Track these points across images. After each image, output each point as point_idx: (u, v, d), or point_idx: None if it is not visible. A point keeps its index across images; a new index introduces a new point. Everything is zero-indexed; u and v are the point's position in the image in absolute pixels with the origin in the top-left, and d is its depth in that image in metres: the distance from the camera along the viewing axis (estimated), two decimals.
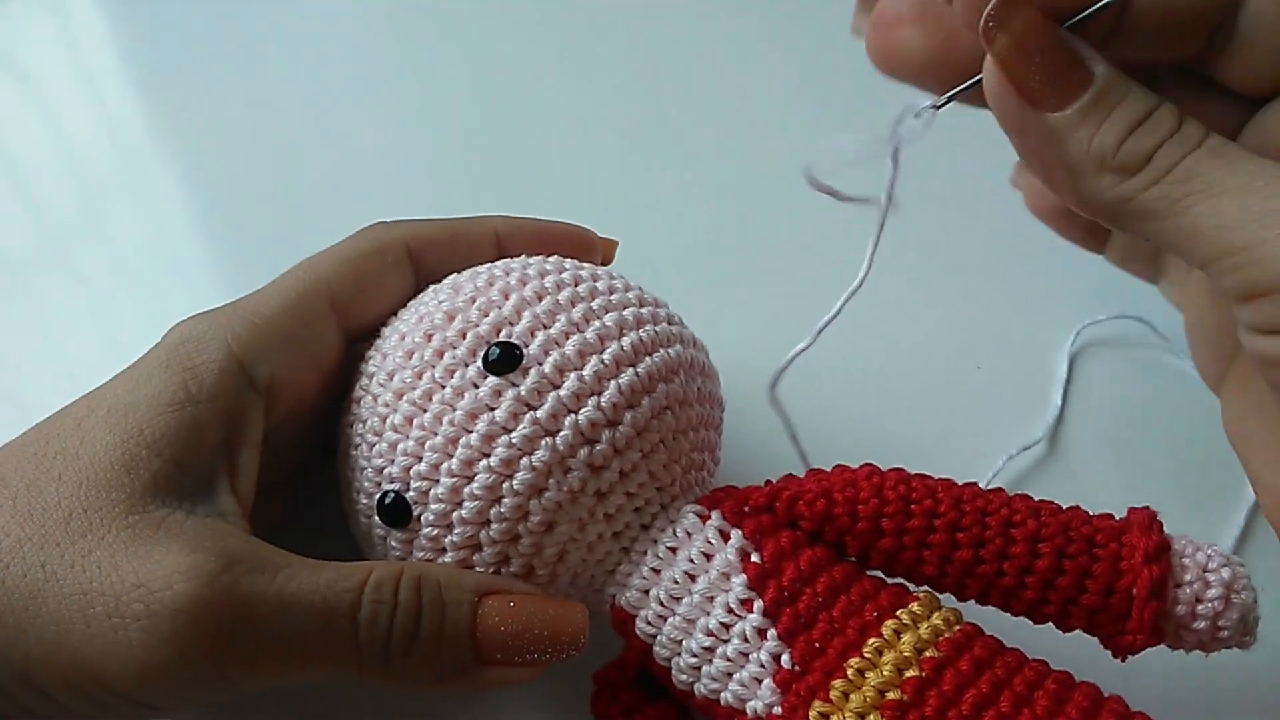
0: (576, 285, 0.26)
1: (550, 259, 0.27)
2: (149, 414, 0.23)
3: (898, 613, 0.23)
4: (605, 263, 0.31)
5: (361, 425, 0.25)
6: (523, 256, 0.28)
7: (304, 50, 0.47)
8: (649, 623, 0.25)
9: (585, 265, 0.27)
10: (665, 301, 0.28)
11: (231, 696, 0.23)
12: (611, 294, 0.26)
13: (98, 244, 0.40)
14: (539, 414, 0.23)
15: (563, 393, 0.24)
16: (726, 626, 0.23)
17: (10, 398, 0.25)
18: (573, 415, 0.24)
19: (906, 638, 0.22)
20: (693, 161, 0.42)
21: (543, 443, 0.23)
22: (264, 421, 0.25)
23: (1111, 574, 0.23)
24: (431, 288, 0.27)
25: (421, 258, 0.28)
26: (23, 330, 0.36)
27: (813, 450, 0.33)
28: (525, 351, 0.24)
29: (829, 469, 0.26)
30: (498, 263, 0.27)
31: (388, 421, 0.24)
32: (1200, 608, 0.23)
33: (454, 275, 0.27)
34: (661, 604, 0.24)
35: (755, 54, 0.47)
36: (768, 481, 0.27)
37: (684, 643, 0.24)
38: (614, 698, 0.25)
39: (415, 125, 0.45)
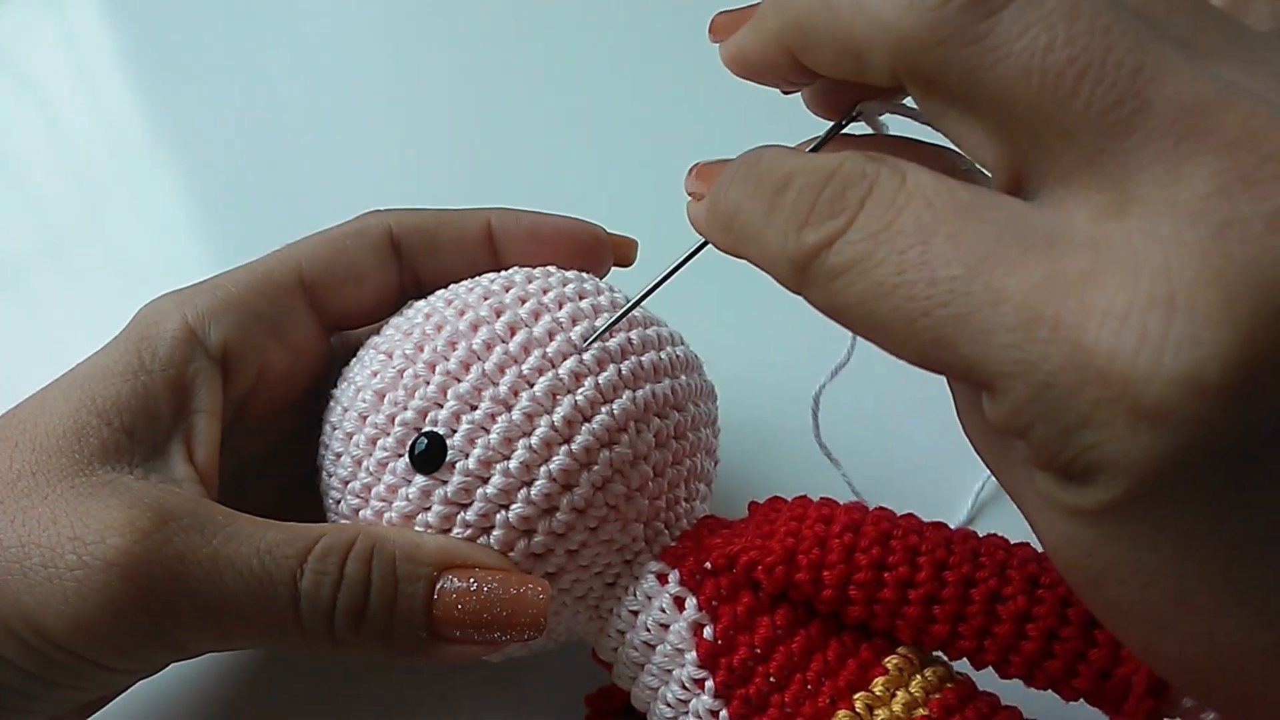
0: (511, 338, 0.23)
1: (497, 283, 0.25)
2: (101, 383, 0.23)
3: (855, 696, 0.21)
4: (623, 265, 0.28)
5: (324, 498, 0.26)
6: (466, 285, 0.25)
7: (303, 50, 0.45)
8: (620, 678, 0.25)
9: (534, 288, 0.25)
10: (640, 315, 0.25)
11: (180, 657, 0.24)
12: (551, 341, 0.23)
13: (97, 244, 0.40)
14: (468, 516, 0.23)
15: (489, 490, 0.23)
16: (684, 702, 0.23)
17: (9, 397, 0.25)
18: (503, 512, 0.23)
19: None
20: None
21: (478, 542, 0.23)
22: (223, 390, 0.25)
23: (1110, 660, 0.21)
24: (371, 344, 0.26)
25: (405, 243, 0.27)
26: (22, 330, 0.37)
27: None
28: (450, 443, 0.23)
29: (816, 499, 0.24)
30: (437, 304, 0.25)
31: (341, 505, 0.25)
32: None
33: (393, 324, 0.26)
34: (627, 665, 0.24)
35: None
36: (751, 503, 0.26)
37: (651, 705, 0.24)
38: None
39: (416, 124, 0.42)
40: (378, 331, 0.26)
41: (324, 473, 0.25)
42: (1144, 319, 0.14)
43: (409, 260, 0.27)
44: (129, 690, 0.26)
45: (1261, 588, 0.15)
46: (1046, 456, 0.15)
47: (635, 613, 0.24)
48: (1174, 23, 0.16)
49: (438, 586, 0.22)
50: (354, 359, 0.26)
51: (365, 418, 0.24)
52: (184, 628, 0.22)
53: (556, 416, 0.23)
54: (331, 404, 0.26)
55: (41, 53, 0.46)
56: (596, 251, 0.28)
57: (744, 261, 0.19)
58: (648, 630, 0.24)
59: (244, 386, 0.26)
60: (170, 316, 0.25)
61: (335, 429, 0.25)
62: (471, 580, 0.22)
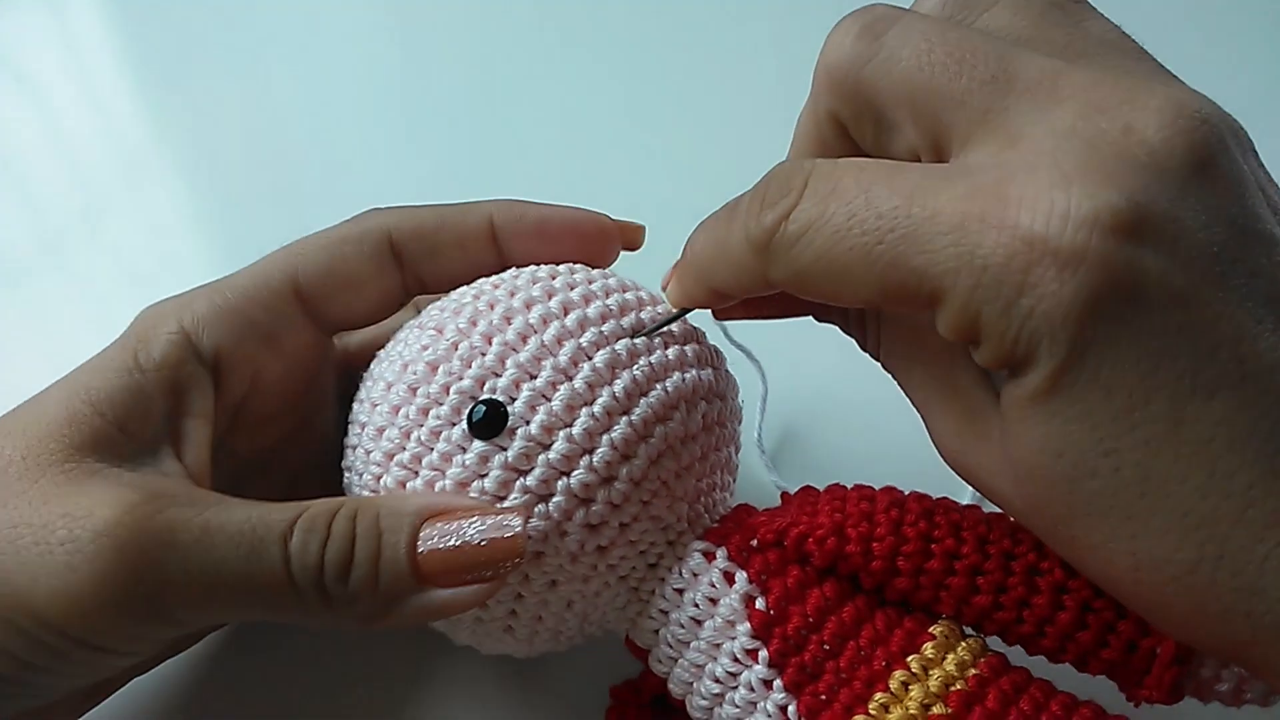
0: (565, 315, 0.24)
1: (542, 271, 0.26)
2: (95, 376, 0.24)
3: (909, 658, 0.22)
4: (631, 248, 0.29)
5: (357, 478, 0.25)
6: (511, 272, 0.26)
7: (302, 49, 0.46)
8: (660, 661, 0.24)
9: (579, 278, 0.25)
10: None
11: (175, 631, 0.23)
12: (604, 323, 0.24)
13: (96, 244, 0.40)
14: (529, 481, 0.23)
15: (552, 455, 0.23)
16: (733, 675, 0.23)
17: (9, 397, 0.24)
18: (565, 479, 0.23)
19: (914, 691, 0.22)
20: (698, 154, 0.41)
21: (536, 510, 0.23)
22: (216, 396, 0.25)
23: (1137, 631, 0.22)
24: (416, 323, 0.26)
25: (406, 249, 0.27)
26: (21, 330, 0.37)
27: (809, 449, 0.32)
28: (510, 410, 0.23)
29: (850, 486, 0.25)
30: (484, 286, 0.25)
31: (381, 482, 0.24)
32: (1226, 672, 0.22)
33: (437, 306, 0.26)
34: (670, 646, 0.24)
35: (768, 42, 0.45)
36: (784, 493, 0.27)
37: (694, 685, 0.24)
38: (629, 715, 0.26)
39: (415, 123, 0.44)
40: (416, 317, 0.26)
41: (359, 449, 0.25)
42: (1050, 195, 0.17)
43: (410, 265, 0.27)
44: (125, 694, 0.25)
45: (1210, 445, 0.17)
46: (996, 344, 0.18)
47: (680, 590, 0.24)
48: (1031, 38, 0.21)
49: (421, 533, 0.22)
50: (391, 341, 0.26)
51: (415, 389, 0.24)
52: (176, 596, 0.22)
53: (617, 388, 0.23)
54: (369, 383, 0.25)
55: (41, 53, 0.45)
56: (603, 244, 0.28)
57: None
58: (695, 606, 0.24)
59: (238, 393, 0.26)
60: (167, 321, 0.25)
61: (377, 405, 0.24)
62: (451, 522, 0.22)
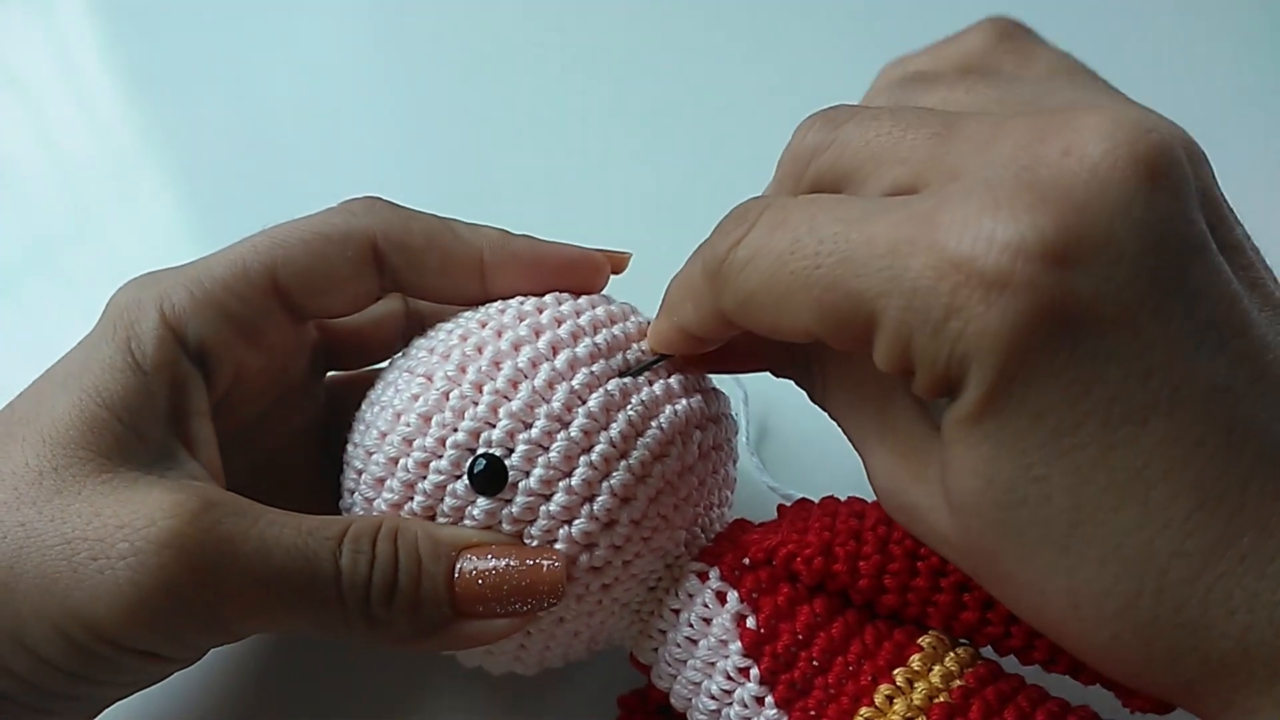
0: (555, 356, 0.24)
1: (528, 305, 0.26)
2: (101, 376, 0.24)
3: (894, 672, 0.23)
4: (617, 272, 0.29)
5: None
6: (497, 307, 0.26)
7: (293, 53, 0.47)
8: (661, 678, 0.25)
9: (565, 310, 0.25)
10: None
11: (227, 639, 0.24)
12: (594, 362, 0.24)
13: (88, 248, 0.40)
14: (533, 531, 0.24)
15: (552, 507, 0.23)
16: (728, 692, 0.24)
17: (2, 402, 0.25)
18: (566, 528, 0.23)
19: (898, 704, 0.22)
20: (692, 163, 0.42)
21: None
22: (207, 391, 0.25)
23: None
24: (404, 365, 0.26)
25: (389, 256, 0.26)
26: (12, 335, 0.37)
27: (790, 445, 0.32)
28: (509, 463, 0.23)
29: (844, 498, 0.26)
30: (471, 326, 0.25)
31: None
32: None
33: (425, 347, 0.26)
34: (669, 664, 0.25)
35: (764, 50, 0.46)
36: (780, 506, 0.27)
37: (692, 700, 0.25)
38: None
39: (408, 126, 0.44)
40: (403, 354, 0.26)
41: (358, 495, 0.25)
42: (979, 219, 0.18)
43: (391, 273, 0.27)
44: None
45: (1143, 473, 0.17)
46: (929, 368, 0.18)
47: (677, 611, 0.25)
48: (969, 105, 0.22)
49: (457, 566, 0.23)
50: (381, 383, 0.26)
51: (411, 441, 0.24)
52: (234, 607, 0.22)
53: (613, 432, 0.24)
54: (362, 428, 0.26)
55: (31, 57, 0.46)
56: (593, 277, 0.28)
57: None
58: (690, 626, 0.25)
59: (223, 388, 0.26)
60: (148, 312, 0.24)
61: (372, 454, 0.25)
62: (489, 556, 0.23)
